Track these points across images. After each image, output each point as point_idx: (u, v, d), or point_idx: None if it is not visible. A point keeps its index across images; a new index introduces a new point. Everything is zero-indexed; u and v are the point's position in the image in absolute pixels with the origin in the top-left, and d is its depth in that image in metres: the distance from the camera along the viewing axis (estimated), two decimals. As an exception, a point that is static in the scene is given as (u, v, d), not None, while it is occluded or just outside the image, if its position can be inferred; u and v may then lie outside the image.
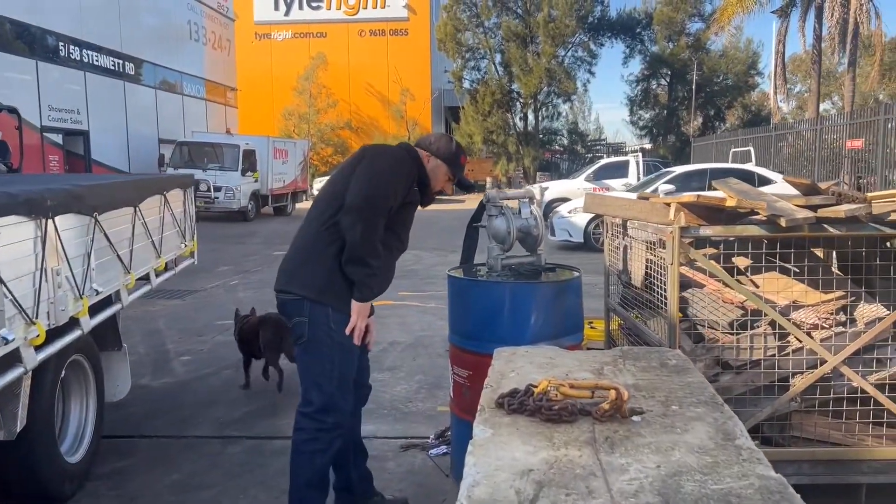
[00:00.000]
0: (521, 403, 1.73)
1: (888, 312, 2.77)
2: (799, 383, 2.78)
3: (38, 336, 2.40)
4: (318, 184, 28.37)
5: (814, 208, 2.73)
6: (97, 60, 18.26)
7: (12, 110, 10.49)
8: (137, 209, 3.53)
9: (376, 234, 2.44)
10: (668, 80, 36.89)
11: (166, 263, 4.12)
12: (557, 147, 39.07)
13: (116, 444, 3.65)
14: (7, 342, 2.17)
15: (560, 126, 38.22)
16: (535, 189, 3.22)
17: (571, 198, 14.25)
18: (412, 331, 6.22)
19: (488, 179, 38.87)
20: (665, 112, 36.87)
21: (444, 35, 32.22)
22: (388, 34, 36.27)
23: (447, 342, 5.64)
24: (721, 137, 24.05)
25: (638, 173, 16.49)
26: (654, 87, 38.30)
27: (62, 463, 2.93)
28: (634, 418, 1.68)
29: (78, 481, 3.05)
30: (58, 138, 16.49)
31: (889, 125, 13.92)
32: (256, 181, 19.13)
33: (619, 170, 16.99)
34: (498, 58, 33.72)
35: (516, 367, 2.12)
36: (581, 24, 32.22)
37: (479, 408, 1.79)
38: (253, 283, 8.84)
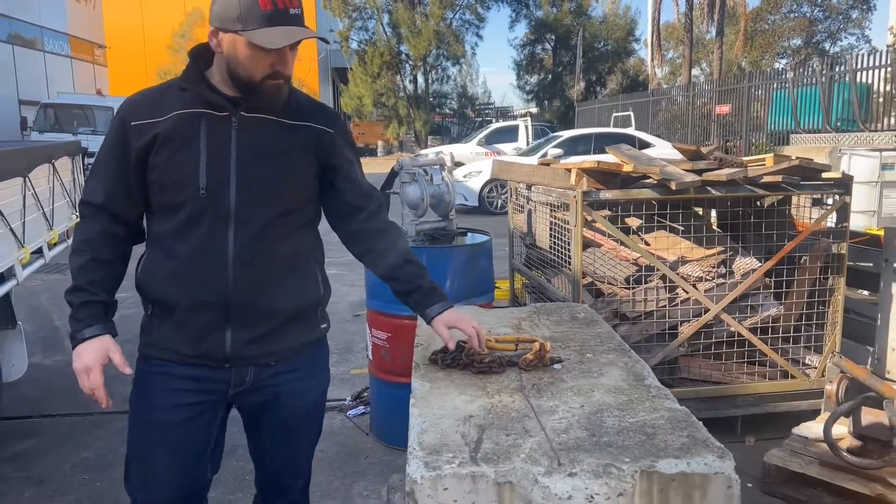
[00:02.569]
0: (453, 359, 1.86)
1: (760, 264, 3.12)
2: (686, 330, 3.10)
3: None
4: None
5: (699, 172, 3.01)
6: (-59, 12, 16.40)
7: None
8: (27, 179, 3.33)
9: (79, 235, 1.71)
10: (552, 45, 37.80)
11: (59, 235, 3.91)
12: (448, 111, 39.26)
13: (15, 425, 3.49)
14: None
15: (450, 89, 38.38)
16: (447, 156, 3.33)
17: (464, 162, 14.50)
18: (317, 297, 6.22)
19: (380, 143, 38.33)
20: (550, 77, 37.84)
21: (330, -7, 31.34)
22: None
23: (354, 308, 5.75)
24: (603, 102, 25.10)
25: (527, 137, 16.99)
26: (539, 52, 39.13)
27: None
28: (555, 366, 1.86)
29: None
30: None
31: (754, 92, 15.09)
32: (134, 146, 18.01)
33: (510, 134, 17.44)
34: (386, 18, 33.23)
35: (441, 326, 2.25)
36: (469, -15, 32.30)
37: (413, 364, 1.90)
38: (135, 254, 8.45)
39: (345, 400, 3.76)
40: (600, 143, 13.52)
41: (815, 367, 3.23)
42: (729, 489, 1.32)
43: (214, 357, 1.66)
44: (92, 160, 1.83)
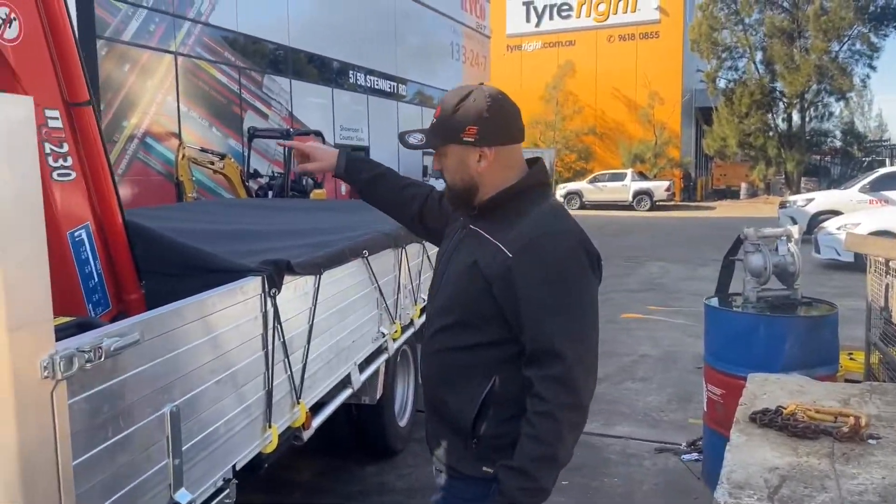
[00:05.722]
0: (770, 420, 2.19)
1: None
2: None
3: (396, 331, 3.37)
4: (561, 190, 29.25)
5: None
6: (377, 84, 20.97)
7: (318, 133, 12.79)
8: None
9: None
10: (975, 69, 31.39)
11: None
12: (827, 149, 35.35)
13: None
14: (384, 336, 3.15)
15: (832, 126, 34.53)
16: (794, 229, 3.53)
17: (843, 211, 13.15)
18: (661, 345, 6.61)
19: (743, 185, 36.33)
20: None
21: (699, 35, 31.02)
22: (638, 38, 35.93)
23: (697, 360, 6.02)
24: None
25: (926, 185, 14.61)
26: (955, 78, 32.79)
27: (397, 425, 3.95)
28: (871, 441, 2.06)
29: (405, 441, 4.06)
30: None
31: None
32: (508, 189, 20.42)
33: (904, 180, 15.18)
34: (759, 56, 31.58)
35: (767, 391, 2.55)
36: (860, 14, 28.92)
37: (734, 420, 2.28)
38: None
39: (680, 444, 4.13)
40: None
41: None
42: None
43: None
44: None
